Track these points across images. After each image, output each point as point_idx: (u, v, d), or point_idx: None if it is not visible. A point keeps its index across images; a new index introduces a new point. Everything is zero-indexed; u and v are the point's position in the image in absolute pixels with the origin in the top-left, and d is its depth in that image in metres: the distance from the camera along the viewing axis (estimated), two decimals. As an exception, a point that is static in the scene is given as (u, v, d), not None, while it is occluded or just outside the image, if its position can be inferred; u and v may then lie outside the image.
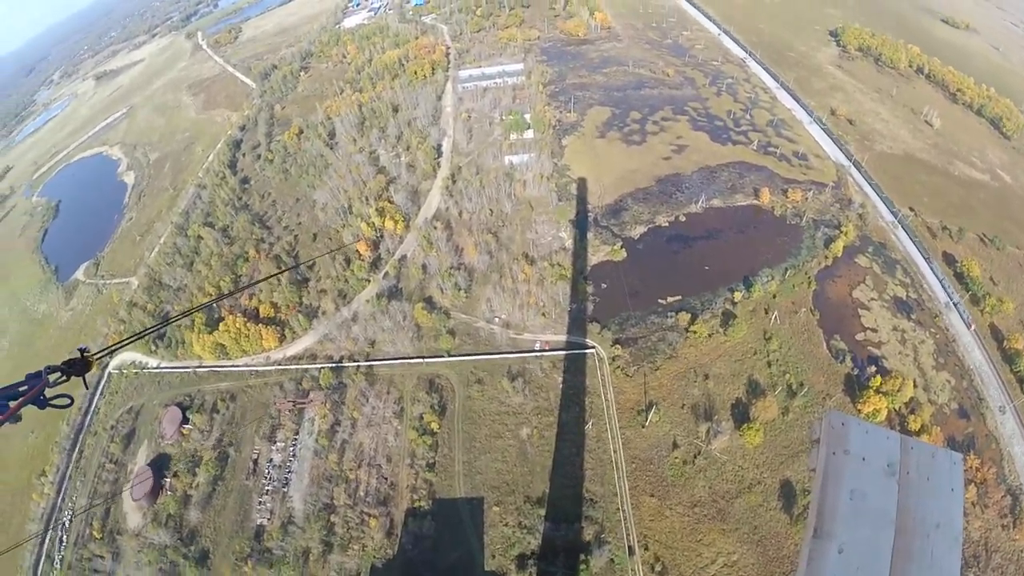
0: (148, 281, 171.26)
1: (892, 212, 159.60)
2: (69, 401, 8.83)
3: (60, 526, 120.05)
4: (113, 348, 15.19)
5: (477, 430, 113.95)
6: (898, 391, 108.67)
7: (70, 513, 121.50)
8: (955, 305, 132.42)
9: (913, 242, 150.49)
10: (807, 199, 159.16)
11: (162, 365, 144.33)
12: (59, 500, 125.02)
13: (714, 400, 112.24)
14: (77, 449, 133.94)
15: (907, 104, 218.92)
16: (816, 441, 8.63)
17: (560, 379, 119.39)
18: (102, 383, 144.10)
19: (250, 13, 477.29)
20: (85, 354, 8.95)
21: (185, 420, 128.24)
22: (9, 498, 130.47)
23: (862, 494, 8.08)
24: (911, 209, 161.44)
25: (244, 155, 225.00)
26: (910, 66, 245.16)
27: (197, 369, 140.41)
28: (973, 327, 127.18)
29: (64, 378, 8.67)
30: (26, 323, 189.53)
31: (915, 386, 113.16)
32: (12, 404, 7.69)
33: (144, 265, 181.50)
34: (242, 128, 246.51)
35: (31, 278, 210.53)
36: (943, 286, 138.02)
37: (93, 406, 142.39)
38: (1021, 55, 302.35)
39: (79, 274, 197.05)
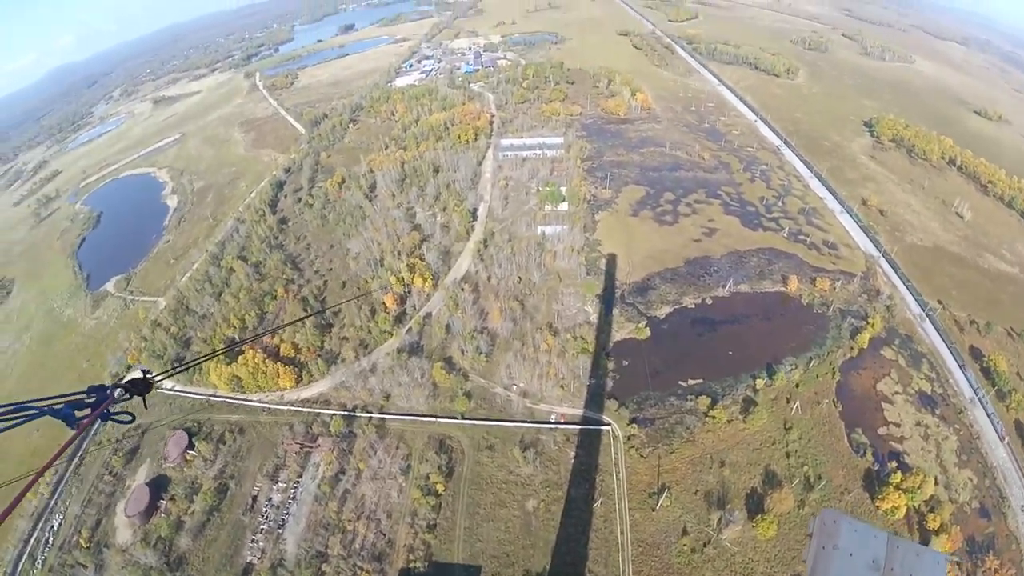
0: (176, 304, 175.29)
1: (920, 304, 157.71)
2: (130, 419, 9.32)
3: (48, 528, 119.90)
4: (173, 372, 15.72)
5: (483, 496, 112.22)
6: (918, 488, 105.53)
7: (61, 516, 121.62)
8: (980, 400, 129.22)
9: (940, 335, 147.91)
10: (835, 288, 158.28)
11: (176, 388, 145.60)
12: (52, 502, 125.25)
13: (728, 488, 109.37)
14: (79, 455, 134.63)
15: (938, 196, 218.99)
16: (810, 535, 9.20)
17: (572, 453, 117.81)
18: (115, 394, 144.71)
19: (308, 62, 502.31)
20: (148, 376, 9.63)
21: (191, 446, 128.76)
22: (2, 491, 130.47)
23: None
24: (939, 302, 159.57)
25: (286, 196, 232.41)
26: (942, 157, 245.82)
27: (210, 397, 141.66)
28: (1005, 441, 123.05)
29: (127, 396, 9.28)
30: (50, 323, 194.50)
31: (936, 483, 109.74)
32: (77, 414, 8.16)
33: (174, 288, 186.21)
34: (287, 170, 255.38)
35: (62, 281, 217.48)
36: (969, 381, 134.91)
37: (95, 427, 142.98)
38: None
39: (109, 286, 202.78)
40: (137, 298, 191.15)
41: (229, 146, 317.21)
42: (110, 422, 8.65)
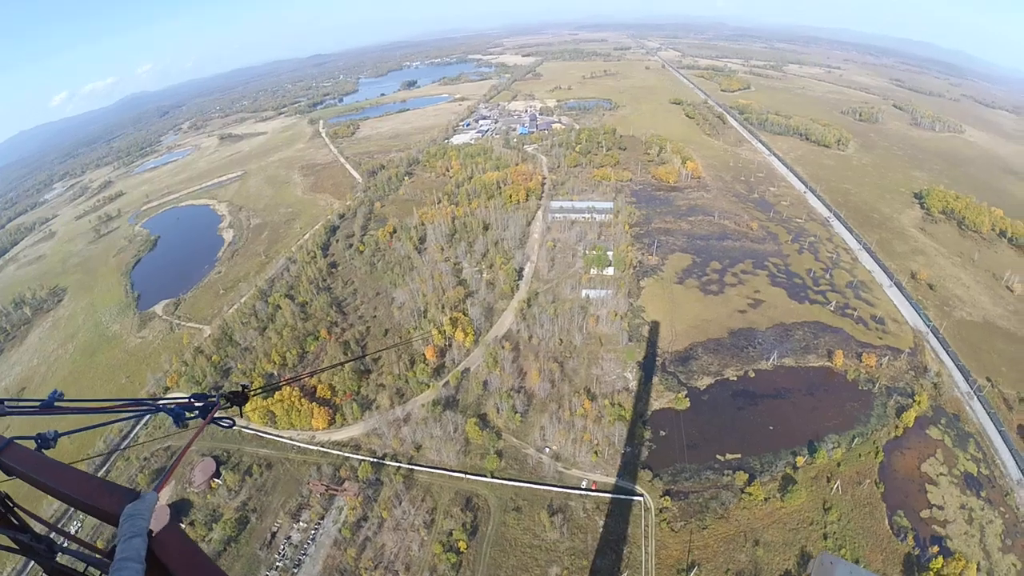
0: (220, 334, 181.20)
1: (968, 382, 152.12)
2: (231, 423, 10.31)
3: (64, 535, 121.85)
4: (267, 388, 16.79)
5: (505, 559, 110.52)
6: (960, 574, 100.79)
7: (79, 524, 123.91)
8: None
9: (988, 414, 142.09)
10: (882, 365, 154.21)
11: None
12: (71, 509, 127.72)
13: (761, 569, 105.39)
14: (105, 468, 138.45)
15: (988, 268, 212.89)
16: (809, 574, 10.09)
17: (601, 522, 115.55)
18: (147, 416, 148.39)
19: (370, 113, 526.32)
20: (246, 389, 10.52)
21: (217, 474, 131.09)
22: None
23: None
24: (988, 379, 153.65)
25: (337, 241, 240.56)
26: (993, 229, 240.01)
27: (243, 429, 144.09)
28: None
29: (228, 404, 10.15)
30: (96, 336, 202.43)
31: (979, 570, 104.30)
32: (188, 415, 9.36)
33: (220, 318, 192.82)
34: (341, 216, 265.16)
35: (113, 297, 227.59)
36: (1017, 462, 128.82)
37: (134, 432, 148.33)
38: None
39: (158, 308, 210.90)
40: (183, 323, 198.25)
41: (288, 187, 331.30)
42: (211, 425, 9.68)
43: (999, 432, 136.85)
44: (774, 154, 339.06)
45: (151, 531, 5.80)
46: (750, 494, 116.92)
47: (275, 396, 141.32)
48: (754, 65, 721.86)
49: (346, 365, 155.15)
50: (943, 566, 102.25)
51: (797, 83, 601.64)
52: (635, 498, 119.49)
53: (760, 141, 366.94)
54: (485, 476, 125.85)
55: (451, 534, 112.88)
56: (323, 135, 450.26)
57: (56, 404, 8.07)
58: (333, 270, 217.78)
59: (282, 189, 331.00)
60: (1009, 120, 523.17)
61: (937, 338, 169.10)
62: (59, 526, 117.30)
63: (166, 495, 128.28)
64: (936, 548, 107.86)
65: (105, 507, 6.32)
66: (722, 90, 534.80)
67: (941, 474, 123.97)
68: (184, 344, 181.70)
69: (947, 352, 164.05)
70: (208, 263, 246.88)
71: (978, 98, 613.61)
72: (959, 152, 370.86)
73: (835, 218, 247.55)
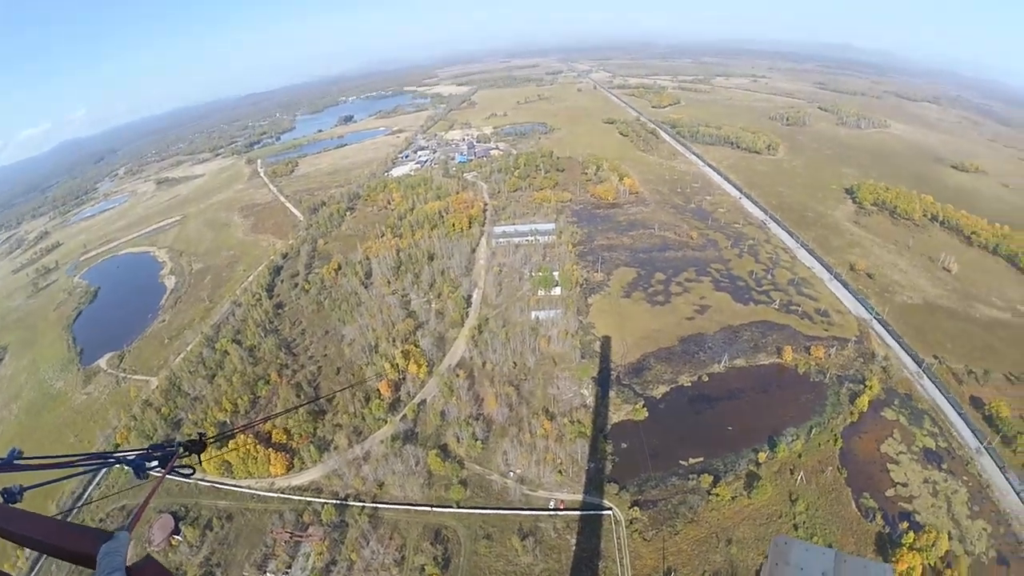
0: (168, 385, 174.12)
1: (916, 362, 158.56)
2: (191, 471, 10.21)
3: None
4: (225, 434, 16.04)
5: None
6: (932, 546, 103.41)
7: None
8: (986, 449, 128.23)
9: (939, 390, 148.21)
10: (830, 355, 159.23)
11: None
12: (37, 567, 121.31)
13: (737, 567, 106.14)
14: None
15: (924, 253, 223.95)
16: (766, 557, 9.76)
17: (573, 540, 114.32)
18: (101, 474, 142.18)
19: (308, 150, 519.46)
20: (203, 437, 10.36)
21: (176, 531, 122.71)
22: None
23: None
24: (935, 357, 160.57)
25: (282, 281, 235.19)
26: (925, 215, 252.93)
27: (199, 482, 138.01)
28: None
29: (186, 453, 10.01)
30: (40, 395, 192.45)
31: (950, 538, 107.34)
32: (148, 465, 9.29)
33: (167, 368, 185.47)
34: (284, 256, 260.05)
35: (55, 353, 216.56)
36: (973, 431, 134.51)
37: (87, 494, 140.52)
38: None
39: (102, 362, 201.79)
40: (129, 376, 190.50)
41: (229, 230, 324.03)
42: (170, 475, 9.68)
43: (952, 405, 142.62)
44: (708, 164, 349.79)
45: (128, 567, 5.97)
46: (717, 495, 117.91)
47: (230, 445, 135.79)
48: (682, 80, 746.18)
49: (300, 409, 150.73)
50: (915, 540, 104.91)
51: (725, 94, 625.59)
52: (604, 512, 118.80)
53: (693, 153, 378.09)
54: (452, 507, 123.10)
55: (423, 569, 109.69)
56: (262, 174, 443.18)
57: (15, 462, 8.00)
58: (280, 311, 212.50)
59: (223, 232, 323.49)
60: (933, 111, 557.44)
61: (881, 324, 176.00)
62: None
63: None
64: (906, 524, 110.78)
65: (81, 550, 6.43)
66: (653, 106, 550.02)
67: (901, 452, 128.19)
68: (131, 398, 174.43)
69: (892, 336, 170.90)
70: (151, 312, 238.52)
71: (901, 93, 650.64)
72: (886, 146, 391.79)
73: (771, 220, 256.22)
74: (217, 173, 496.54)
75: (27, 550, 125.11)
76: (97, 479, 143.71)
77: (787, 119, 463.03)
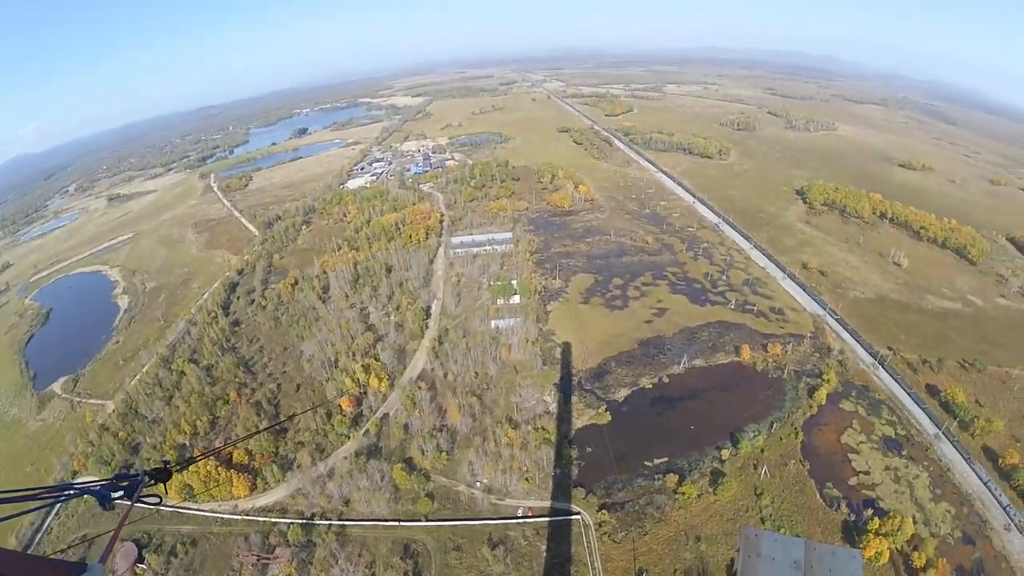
0: (124, 408, 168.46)
1: (871, 354, 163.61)
2: (159, 500, 10.14)
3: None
4: (191, 460, 15.60)
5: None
6: (898, 530, 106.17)
7: None
8: (945, 434, 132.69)
9: (895, 380, 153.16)
10: (787, 352, 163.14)
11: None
12: None
13: (707, 563, 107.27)
14: None
15: (875, 249, 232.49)
16: (738, 550, 9.79)
17: (544, 547, 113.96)
18: (59, 504, 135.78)
19: (262, 164, 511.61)
20: (168, 465, 10.38)
21: (140, 559, 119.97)
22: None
23: None
24: (889, 348, 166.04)
25: (239, 298, 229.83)
26: (874, 213, 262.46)
27: (161, 508, 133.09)
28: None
29: (151, 482, 9.86)
30: None
31: (915, 522, 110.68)
32: (113, 495, 8.97)
33: (123, 391, 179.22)
34: (240, 272, 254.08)
35: (8, 379, 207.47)
36: (930, 418, 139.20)
37: (47, 525, 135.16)
38: (978, 184, 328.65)
39: (56, 386, 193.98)
40: (85, 400, 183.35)
41: (182, 246, 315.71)
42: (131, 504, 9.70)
43: (908, 394, 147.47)
44: (661, 170, 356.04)
45: None
46: (683, 493, 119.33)
47: (191, 469, 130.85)
48: (635, 88, 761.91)
49: (261, 427, 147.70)
50: (880, 525, 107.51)
51: (677, 101, 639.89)
52: (573, 517, 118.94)
53: (647, 159, 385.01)
54: (420, 520, 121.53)
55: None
56: (215, 189, 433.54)
57: None
58: (236, 328, 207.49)
59: (176, 248, 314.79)
60: (878, 112, 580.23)
61: (835, 319, 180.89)
62: None
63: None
64: (870, 511, 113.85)
65: None
66: (607, 115, 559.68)
67: (861, 442, 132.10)
68: (88, 423, 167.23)
69: (847, 330, 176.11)
70: (105, 333, 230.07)
71: (848, 96, 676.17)
72: (834, 147, 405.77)
73: (725, 223, 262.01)
74: (170, 188, 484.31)
75: None
76: (56, 508, 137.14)
77: (738, 124, 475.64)
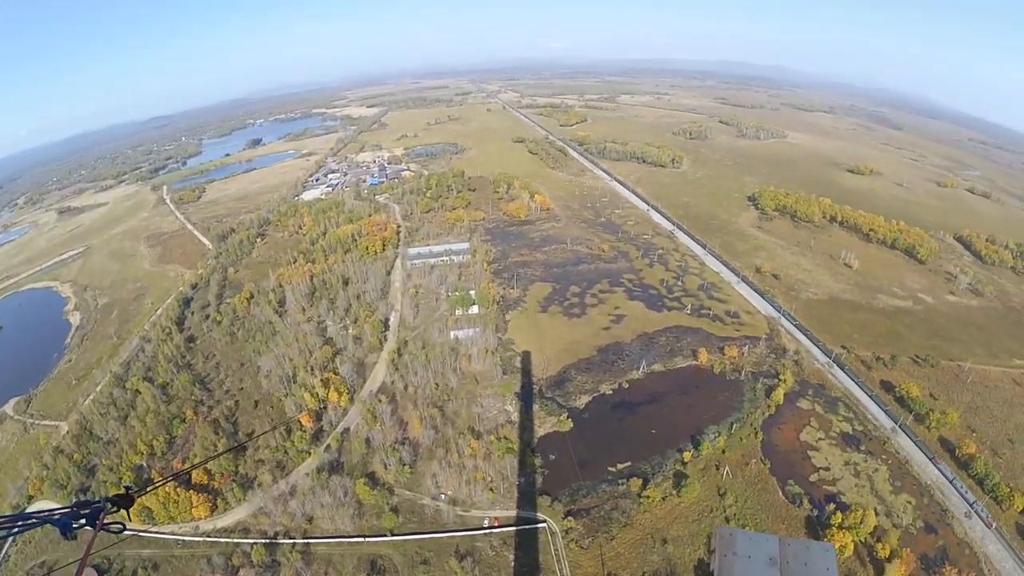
0: (79, 429, 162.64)
1: (826, 353, 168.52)
2: (121, 527, 9.83)
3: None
4: (155, 485, 15.14)
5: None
6: (860, 523, 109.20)
7: None
8: (902, 428, 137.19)
9: (850, 377, 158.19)
10: (743, 354, 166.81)
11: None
12: None
13: (675, 564, 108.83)
14: None
15: (826, 251, 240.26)
16: (712, 550, 10.27)
17: (511, 557, 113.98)
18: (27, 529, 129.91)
19: (215, 175, 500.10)
20: (129, 491, 10.25)
21: None
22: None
23: None
24: (843, 347, 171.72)
25: (193, 313, 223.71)
26: (824, 216, 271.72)
27: (123, 535, 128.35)
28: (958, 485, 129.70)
29: (114, 509, 9.67)
30: None
31: (877, 514, 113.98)
32: (75, 524, 8.74)
33: (77, 411, 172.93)
34: (194, 286, 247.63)
35: None
36: (886, 413, 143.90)
37: (3, 553, 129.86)
38: (924, 186, 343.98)
39: (8, 408, 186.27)
40: (38, 422, 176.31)
41: (135, 261, 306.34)
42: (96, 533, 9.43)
43: (864, 391, 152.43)
44: (615, 179, 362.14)
45: None
46: (648, 497, 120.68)
47: (147, 489, 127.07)
48: (589, 99, 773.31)
49: (220, 446, 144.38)
50: (843, 519, 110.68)
51: (630, 112, 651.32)
52: (539, 525, 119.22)
53: (601, 169, 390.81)
54: (385, 535, 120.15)
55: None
56: (168, 201, 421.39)
57: None
58: (191, 345, 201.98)
59: (129, 263, 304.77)
60: (827, 119, 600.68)
61: (789, 320, 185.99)
62: None
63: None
64: (832, 505, 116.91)
65: None
66: (561, 125, 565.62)
67: (820, 439, 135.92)
68: (41, 445, 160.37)
69: (801, 331, 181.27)
70: (57, 351, 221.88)
71: (797, 104, 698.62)
72: (784, 154, 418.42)
73: (679, 230, 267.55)
74: (121, 201, 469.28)
75: None
76: (13, 537, 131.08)
77: (690, 133, 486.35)
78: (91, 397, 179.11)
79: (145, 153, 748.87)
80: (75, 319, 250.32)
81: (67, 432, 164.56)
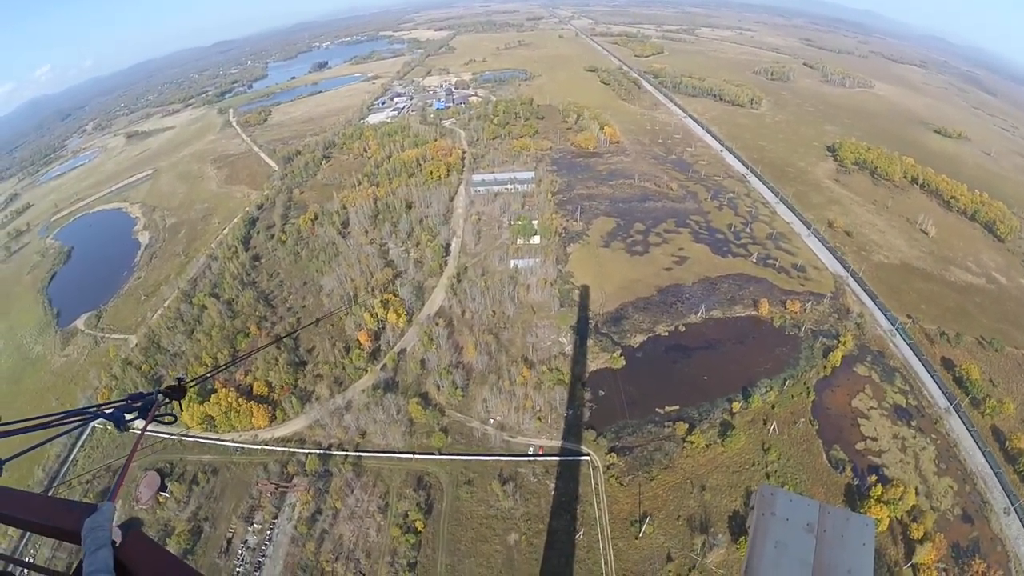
0: (147, 342, 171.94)
1: (890, 320, 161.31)
2: (174, 419, 9.95)
3: (18, 570, 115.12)
4: (204, 377, 15.74)
5: (463, 532, 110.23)
6: (899, 499, 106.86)
7: (32, 557, 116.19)
8: (955, 409, 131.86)
9: (911, 349, 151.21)
10: (805, 310, 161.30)
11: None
12: (21, 544, 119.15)
13: (710, 512, 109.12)
14: (51, 493, 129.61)
15: (903, 214, 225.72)
16: (752, 508, 10.11)
17: (552, 485, 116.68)
18: (84, 435, 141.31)
19: (281, 99, 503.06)
20: (182, 381, 10.16)
21: (163, 487, 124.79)
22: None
23: (784, 545, 9.47)
24: (908, 317, 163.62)
25: (258, 233, 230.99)
26: (905, 177, 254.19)
27: (183, 437, 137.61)
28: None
29: (166, 400, 9.73)
30: (19, 360, 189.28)
31: (917, 493, 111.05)
32: (128, 416, 8.79)
33: (145, 326, 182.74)
34: (260, 207, 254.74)
35: (32, 317, 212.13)
36: (943, 391, 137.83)
37: (72, 456, 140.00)
38: (1012, 159, 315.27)
39: (79, 323, 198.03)
40: (108, 336, 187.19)
41: (202, 182, 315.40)
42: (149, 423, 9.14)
43: (923, 365, 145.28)
44: (690, 116, 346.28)
45: (114, 541, 5.75)
46: (692, 442, 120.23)
47: (212, 399, 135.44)
48: (667, 30, 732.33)
49: (280, 359, 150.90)
50: (883, 493, 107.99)
51: (710, 46, 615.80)
52: (582, 458, 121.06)
53: (675, 104, 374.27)
54: (433, 454, 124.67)
55: (407, 515, 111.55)
56: (234, 124, 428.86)
57: None
58: (256, 263, 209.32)
59: (196, 184, 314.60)
60: (918, 74, 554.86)
61: (857, 281, 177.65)
62: (16, 556, 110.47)
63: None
64: (874, 477, 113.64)
65: (63, 525, 6.18)
66: (636, 55, 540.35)
67: (871, 408, 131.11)
68: (111, 357, 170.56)
69: (867, 294, 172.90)
70: (126, 269, 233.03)
71: (887, 54, 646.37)
72: (869, 106, 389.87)
73: (752, 174, 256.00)
74: (188, 124, 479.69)
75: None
76: (81, 440, 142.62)
77: (772, 74, 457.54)
78: (159, 312, 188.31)
79: (211, 77, 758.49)
80: (144, 238, 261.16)
81: (136, 345, 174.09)
